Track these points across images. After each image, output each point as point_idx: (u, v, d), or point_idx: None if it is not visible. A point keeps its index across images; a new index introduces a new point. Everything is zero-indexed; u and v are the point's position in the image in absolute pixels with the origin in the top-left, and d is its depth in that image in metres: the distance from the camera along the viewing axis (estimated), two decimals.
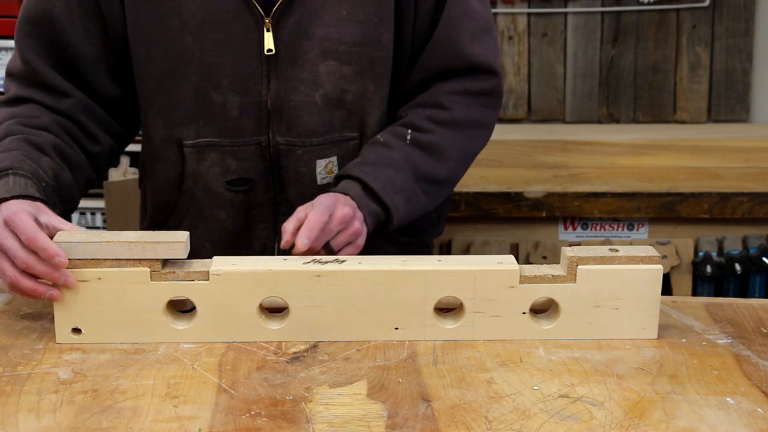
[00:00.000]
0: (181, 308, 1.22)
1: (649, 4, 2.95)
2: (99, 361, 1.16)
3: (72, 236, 1.19)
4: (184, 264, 1.20)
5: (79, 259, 1.18)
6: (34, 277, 1.19)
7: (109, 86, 1.50)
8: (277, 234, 1.50)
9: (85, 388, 1.09)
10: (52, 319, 1.22)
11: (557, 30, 2.99)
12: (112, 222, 2.54)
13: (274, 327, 1.21)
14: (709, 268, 2.51)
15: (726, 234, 2.52)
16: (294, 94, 1.45)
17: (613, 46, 2.99)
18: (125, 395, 1.07)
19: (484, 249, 2.53)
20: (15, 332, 1.24)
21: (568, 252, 1.20)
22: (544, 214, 2.48)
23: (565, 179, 2.57)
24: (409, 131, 1.47)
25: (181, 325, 1.20)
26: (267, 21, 1.41)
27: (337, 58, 1.44)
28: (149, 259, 1.18)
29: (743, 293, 2.56)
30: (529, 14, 2.98)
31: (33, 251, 1.18)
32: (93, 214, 2.80)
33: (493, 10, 2.74)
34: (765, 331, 1.25)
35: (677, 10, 2.96)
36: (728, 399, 1.07)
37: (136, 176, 2.56)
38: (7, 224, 1.20)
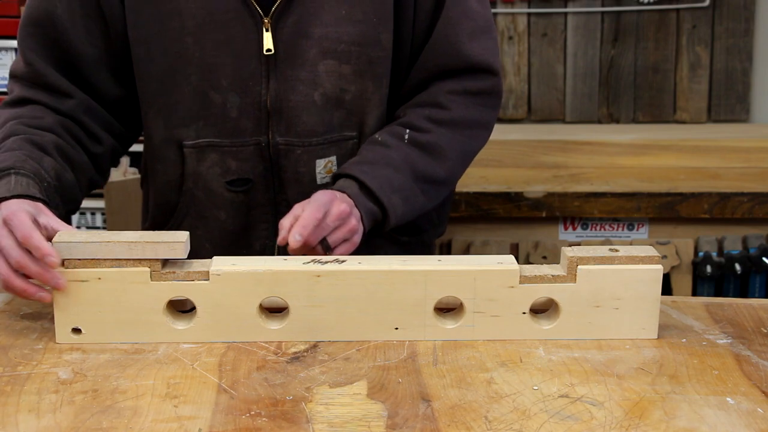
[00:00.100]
0: (181, 308, 1.22)
1: (649, 4, 2.95)
2: (99, 361, 1.16)
3: (72, 236, 1.19)
4: (184, 264, 1.20)
5: (79, 259, 1.18)
6: (27, 277, 1.19)
7: (112, 87, 1.50)
8: (277, 234, 1.50)
9: (85, 388, 1.09)
10: (52, 319, 1.22)
11: (557, 30, 2.99)
12: (112, 222, 2.54)
13: (274, 327, 1.21)
14: (709, 268, 2.51)
15: (726, 234, 2.52)
16: (293, 94, 1.45)
17: (613, 46, 2.99)
18: (125, 395, 1.07)
19: (484, 249, 2.53)
20: (15, 332, 1.24)
21: (568, 252, 1.20)
22: (544, 214, 2.48)
23: (565, 179, 2.57)
24: (408, 131, 1.47)
25: (181, 325, 1.20)
26: (266, 21, 1.42)
27: (336, 57, 1.44)
28: (149, 259, 1.18)
29: (743, 293, 2.56)
30: (529, 14, 2.98)
31: (27, 251, 1.18)
32: (93, 214, 2.80)
33: (493, 10, 2.74)
34: (765, 331, 1.25)
35: (677, 10, 2.96)
36: (728, 399, 1.07)
37: (137, 176, 2.56)
38: (5, 223, 1.20)
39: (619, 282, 1.20)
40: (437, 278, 1.19)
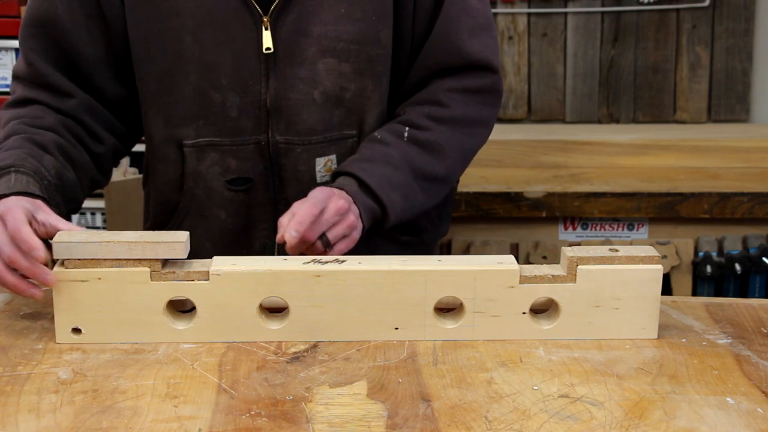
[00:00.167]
0: (181, 308, 1.22)
1: (649, 4, 2.95)
2: (99, 361, 1.16)
3: (72, 236, 1.19)
4: (184, 264, 1.20)
5: (79, 259, 1.18)
6: (20, 273, 1.20)
7: (113, 87, 1.50)
8: (277, 233, 1.51)
9: (85, 388, 1.09)
10: (52, 319, 1.22)
11: (557, 30, 2.99)
12: (112, 222, 2.54)
13: (274, 327, 1.21)
14: (709, 268, 2.51)
15: (726, 234, 2.52)
16: (293, 93, 1.45)
17: (613, 46, 2.99)
18: (125, 395, 1.07)
19: (484, 249, 2.53)
20: (15, 332, 1.24)
21: (568, 252, 1.20)
22: (544, 214, 2.48)
23: (565, 179, 2.57)
24: (407, 128, 1.47)
25: (181, 325, 1.20)
26: (265, 20, 1.42)
27: (335, 55, 1.44)
28: (149, 259, 1.18)
29: (743, 293, 2.56)
30: (529, 14, 2.98)
31: (19, 246, 1.18)
32: (93, 214, 2.80)
33: (493, 10, 2.74)
34: (765, 331, 1.25)
35: (677, 10, 2.96)
36: (728, 399, 1.07)
37: (137, 176, 2.56)
38: (0, 219, 1.20)
39: (619, 282, 1.20)
40: (437, 278, 1.19)
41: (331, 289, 1.19)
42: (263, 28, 1.42)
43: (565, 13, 2.98)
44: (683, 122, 3.01)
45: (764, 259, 2.48)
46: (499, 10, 2.96)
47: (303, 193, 1.47)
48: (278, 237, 1.31)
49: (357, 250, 1.39)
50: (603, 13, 2.97)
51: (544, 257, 2.52)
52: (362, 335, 1.21)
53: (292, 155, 1.48)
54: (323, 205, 1.33)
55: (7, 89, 2.81)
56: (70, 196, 1.41)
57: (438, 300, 1.20)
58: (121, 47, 1.46)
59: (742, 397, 1.07)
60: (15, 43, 2.76)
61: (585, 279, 1.19)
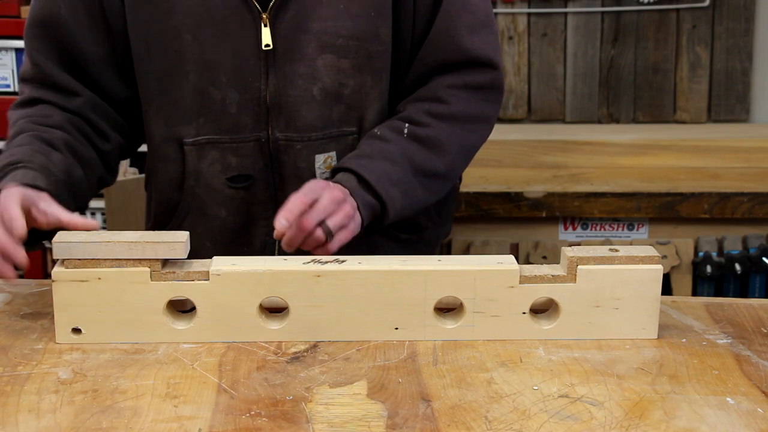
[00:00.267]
0: (181, 308, 1.22)
1: (649, 4, 2.95)
2: (99, 361, 1.16)
3: (72, 236, 1.19)
4: (184, 264, 1.20)
5: (79, 259, 1.18)
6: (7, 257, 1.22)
7: (117, 86, 1.51)
8: None
9: (85, 388, 1.09)
10: (52, 319, 1.22)
11: (557, 30, 2.99)
12: (112, 222, 2.54)
13: (274, 327, 1.21)
14: (709, 268, 2.51)
15: (726, 234, 2.52)
16: (292, 89, 1.45)
17: (613, 46, 2.99)
18: (125, 395, 1.07)
19: (484, 249, 2.53)
20: (15, 332, 1.24)
21: (568, 252, 1.20)
22: (544, 214, 2.48)
23: (565, 179, 2.57)
24: (407, 125, 1.47)
25: (181, 325, 1.20)
26: (264, 16, 1.42)
27: (334, 51, 1.45)
28: (149, 259, 1.18)
29: (743, 293, 2.56)
30: (529, 14, 2.98)
31: (8, 230, 1.20)
32: (93, 214, 2.80)
33: (493, 10, 2.74)
34: (765, 331, 1.25)
35: (677, 10, 2.96)
36: (728, 399, 1.07)
37: (137, 176, 2.57)
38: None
39: (619, 282, 1.20)
40: (437, 278, 1.19)
41: (331, 289, 1.19)
42: (262, 24, 1.42)
43: (565, 13, 2.98)
44: (683, 122, 3.01)
45: (764, 259, 2.48)
46: (499, 10, 2.96)
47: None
48: (275, 234, 1.31)
49: (357, 248, 1.39)
50: (603, 13, 2.98)
51: (544, 257, 2.52)
52: (362, 335, 1.21)
53: (291, 152, 1.48)
54: (316, 195, 1.32)
55: (8, 89, 2.81)
56: (78, 193, 1.42)
57: (438, 300, 1.20)
58: (122, 46, 1.47)
59: (742, 397, 1.07)
60: (15, 43, 2.76)
61: (585, 279, 1.19)
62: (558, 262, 1.23)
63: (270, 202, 1.51)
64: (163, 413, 1.03)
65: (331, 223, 1.32)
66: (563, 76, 3.01)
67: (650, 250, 1.21)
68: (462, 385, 1.10)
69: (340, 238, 1.34)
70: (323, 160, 1.49)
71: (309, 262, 1.20)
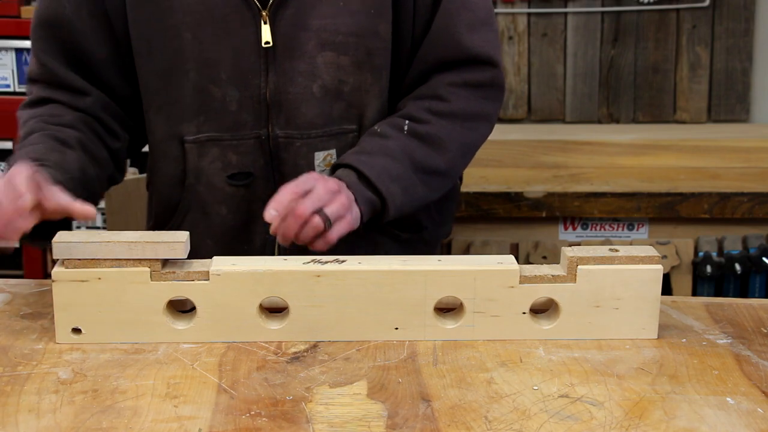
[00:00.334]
0: (181, 308, 1.22)
1: (649, 4, 2.95)
2: (99, 361, 1.16)
3: (72, 236, 1.19)
4: (184, 264, 1.20)
5: (79, 259, 1.18)
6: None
7: (121, 85, 1.52)
8: None
9: (85, 388, 1.09)
10: (52, 319, 1.22)
11: (557, 30, 2.99)
12: (112, 222, 2.54)
13: (274, 327, 1.21)
14: (709, 268, 2.51)
15: (726, 234, 2.52)
16: (292, 86, 1.45)
17: (613, 46, 2.99)
18: (125, 395, 1.07)
19: (484, 249, 2.53)
20: (15, 332, 1.24)
21: (568, 252, 1.20)
22: (544, 214, 2.48)
23: (565, 179, 2.57)
24: (407, 122, 1.47)
25: (181, 325, 1.20)
26: (264, 14, 1.42)
27: (334, 49, 1.45)
28: (149, 259, 1.18)
29: (743, 293, 2.56)
30: (529, 14, 2.98)
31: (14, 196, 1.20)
32: None
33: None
34: (765, 331, 1.25)
35: (677, 10, 2.96)
36: (728, 399, 1.07)
37: (137, 176, 2.56)
38: (8, 179, 1.23)
39: (619, 282, 1.20)
40: (437, 278, 1.19)
41: (331, 289, 1.19)
42: (262, 22, 1.43)
43: (565, 13, 2.98)
44: (683, 122, 3.01)
45: (764, 259, 2.48)
46: (499, 10, 2.96)
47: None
48: (271, 228, 1.31)
49: (357, 247, 1.39)
50: (603, 13, 2.98)
51: (544, 257, 2.52)
52: (362, 335, 1.21)
53: (291, 149, 1.48)
54: (308, 186, 1.32)
55: (8, 89, 2.81)
56: (92, 191, 1.44)
57: (438, 300, 1.20)
58: (124, 45, 1.48)
59: (742, 397, 1.07)
60: (15, 43, 2.77)
61: (585, 279, 1.19)
62: (558, 262, 1.23)
63: (270, 199, 1.51)
64: (163, 413, 1.03)
65: (328, 210, 1.32)
66: (563, 76, 3.01)
67: (650, 250, 1.21)
68: (462, 385, 1.10)
69: (339, 229, 1.33)
70: (323, 158, 1.49)
71: (309, 262, 1.20)
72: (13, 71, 2.80)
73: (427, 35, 1.49)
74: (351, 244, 1.39)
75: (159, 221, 1.58)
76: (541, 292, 1.20)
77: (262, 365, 1.15)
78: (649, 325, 1.22)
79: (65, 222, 1.32)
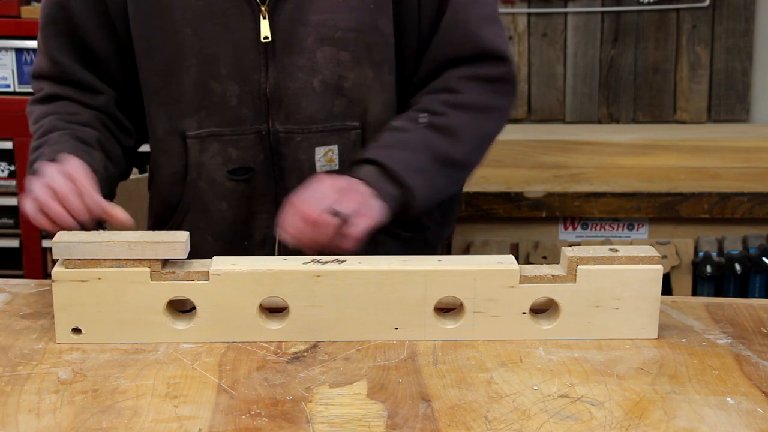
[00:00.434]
0: (181, 308, 1.22)
1: (649, 4, 2.95)
2: (99, 361, 1.16)
3: (72, 236, 1.19)
4: (184, 264, 1.20)
5: (79, 259, 1.18)
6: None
7: (125, 82, 1.55)
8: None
9: (85, 388, 1.09)
10: (52, 319, 1.22)
11: (557, 30, 2.99)
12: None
13: (274, 327, 1.21)
14: (709, 268, 2.51)
15: (726, 234, 2.52)
16: (292, 81, 1.46)
17: (613, 46, 2.99)
18: (125, 395, 1.07)
19: (484, 249, 2.53)
20: (15, 332, 1.24)
21: (568, 252, 1.20)
22: (544, 214, 2.48)
23: (565, 179, 2.57)
24: (424, 114, 1.47)
25: (181, 325, 1.20)
26: (263, 9, 1.43)
27: (333, 44, 1.45)
28: (149, 259, 1.18)
29: (743, 293, 2.56)
30: (529, 14, 2.98)
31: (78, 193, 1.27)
32: None
33: None
34: (765, 331, 1.25)
35: (677, 10, 2.96)
36: (728, 399, 1.07)
37: (137, 176, 2.56)
38: (60, 170, 1.29)
39: (619, 282, 1.20)
40: (437, 278, 1.19)
41: (331, 289, 1.19)
42: (261, 17, 1.43)
43: (565, 13, 2.98)
44: (683, 122, 3.01)
45: (764, 259, 2.48)
46: (499, 10, 2.96)
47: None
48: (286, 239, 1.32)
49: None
50: (603, 13, 2.97)
51: (544, 257, 2.52)
52: (362, 335, 1.21)
53: (292, 144, 1.48)
54: (311, 189, 1.32)
55: (8, 89, 2.81)
56: (112, 191, 1.49)
57: (438, 300, 1.20)
58: (125, 43, 1.50)
59: (742, 397, 1.07)
60: (15, 43, 2.76)
61: (585, 279, 1.19)
62: (558, 262, 1.23)
63: (270, 195, 1.51)
64: (163, 413, 1.03)
65: (339, 207, 1.30)
66: (563, 76, 3.01)
67: (650, 250, 1.21)
68: (462, 385, 1.10)
69: (361, 224, 1.31)
70: (323, 153, 1.49)
71: (309, 262, 1.20)
72: (13, 71, 2.80)
73: (436, 31, 1.49)
74: None
75: (160, 219, 1.59)
76: (541, 292, 1.20)
77: (262, 365, 1.15)
78: (649, 325, 1.22)
79: (97, 224, 1.36)
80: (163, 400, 1.06)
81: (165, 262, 1.19)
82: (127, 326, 1.20)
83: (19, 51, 2.77)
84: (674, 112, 3.02)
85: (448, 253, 2.51)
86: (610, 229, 2.55)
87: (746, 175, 2.60)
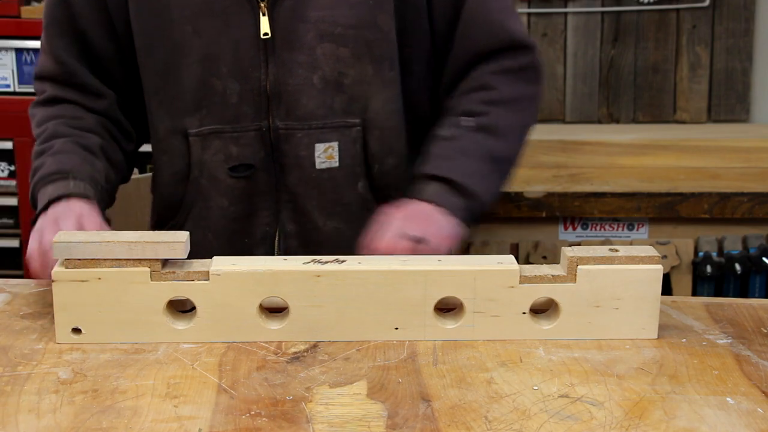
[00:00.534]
0: (181, 308, 1.22)
1: (649, 4, 2.95)
2: (99, 361, 1.16)
3: (72, 236, 1.19)
4: (184, 264, 1.20)
5: (79, 259, 1.18)
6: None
7: (127, 82, 1.55)
8: (278, 222, 1.52)
9: (85, 388, 1.09)
10: (52, 319, 1.22)
11: (557, 30, 2.99)
12: (113, 222, 2.54)
13: (274, 327, 1.21)
14: (709, 268, 2.51)
15: (726, 234, 2.52)
16: (292, 78, 1.46)
17: (613, 46, 2.99)
18: (125, 395, 1.07)
19: (484, 249, 2.53)
20: (15, 332, 1.24)
21: (568, 252, 1.20)
22: (544, 214, 2.48)
23: (565, 179, 2.57)
24: (467, 118, 1.48)
25: (181, 325, 1.20)
26: (263, 6, 1.43)
27: (333, 40, 1.45)
28: (149, 259, 1.18)
29: (743, 293, 2.56)
30: (529, 14, 2.98)
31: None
32: None
33: None
34: (765, 331, 1.25)
35: (677, 10, 2.96)
36: (728, 399, 1.07)
37: (137, 176, 2.56)
38: (55, 220, 1.31)
39: (619, 282, 1.20)
40: (437, 278, 1.19)
41: (331, 289, 1.19)
42: (261, 14, 1.43)
43: (565, 13, 2.98)
44: (683, 122, 3.01)
45: (764, 259, 2.48)
46: None
47: (303, 180, 1.48)
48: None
49: (358, 245, 1.39)
50: (603, 13, 2.98)
51: (544, 257, 2.52)
52: (362, 335, 1.21)
53: (292, 141, 1.48)
54: (382, 228, 1.34)
55: (8, 89, 2.81)
56: (112, 196, 1.51)
57: (438, 300, 1.20)
58: (126, 42, 1.50)
59: (742, 397, 1.07)
60: (15, 43, 2.77)
61: (585, 279, 1.19)
62: (558, 262, 1.23)
63: (271, 192, 1.51)
64: (163, 413, 1.03)
65: (411, 231, 1.33)
66: (563, 76, 3.01)
67: (650, 250, 1.21)
68: (462, 385, 1.10)
69: (443, 246, 1.34)
70: (323, 150, 1.49)
71: (309, 262, 1.20)
72: (13, 71, 2.80)
73: (457, 28, 1.49)
74: (351, 243, 1.40)
75: (162, 217, 1.59)
76: (541, 292, 1.20)
77: (262, 365, 1.15)
78: (649, 325, 1.22)
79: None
80: (163, 400, 1.06)
81: (165, 262, 1.19)
82: (127, 326, 1.20)
83: (19, 51, 2.78)
84: (674, 112, 3.02)
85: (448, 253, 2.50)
86: (610, 229, 2.55)
87: (746, 175, 2.60)
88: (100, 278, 1.18)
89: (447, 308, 1.23)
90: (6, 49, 2.77)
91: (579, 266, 1.19)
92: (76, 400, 1.06)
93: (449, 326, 1.21)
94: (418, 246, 1.32)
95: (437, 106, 1.58)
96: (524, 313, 1.21)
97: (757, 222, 2.50)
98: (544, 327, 1.21)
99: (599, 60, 2.99)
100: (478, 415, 1.03)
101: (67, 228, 1.31)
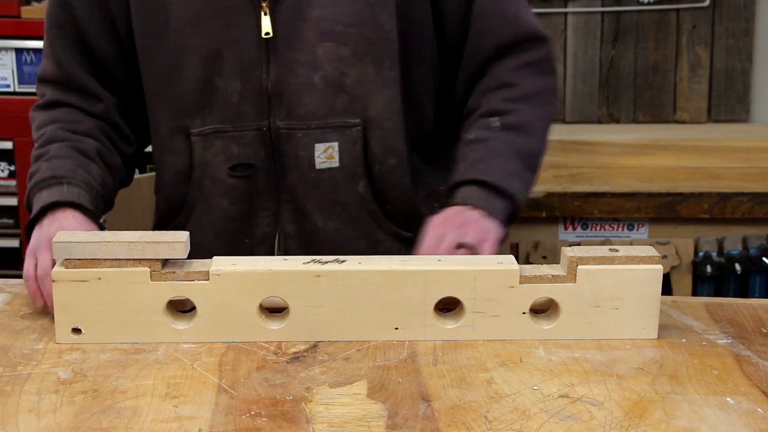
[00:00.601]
0: (181, 308, 1.22)
1: (649, 4, 2.95)
2: (99, 361, 1.16)
3: (72, 236, 1.19)
4: (184, 264, 1.20)
5: (79, 259, 1.18)
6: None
7: (129, 84, 1.54)
8: (279, 222, 1.51)
9: (85, 388, 1.09)
10: (52, 319, 1.22)
11: (557, 30, 2.99)
12: (112, 222, 2.54)
13: (274, 327, 1.21)
14: (709, 268, 2.51)
15: (726, 234, 2.52)
16: (293, 77, 1.46)
17: (613, 46, 2.99)
18: (125, 395, 1.07)
19: None
20: (15, 332, 1.24)
21: (568, 252, 1.20)
22: (544, 214, 2.48)
23: (565, 179, 2.57)
24: (495, 118, 1.48)
25: (181, 325, 1.20)
26: (264, 5, 1.43)
27: (333, 39, 1.45)
28: (149, 259, 1.18)
29: (743, 293, 2.56)
30: None
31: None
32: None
33: None
34: (765, 331, 1.25)
35: (677, 10, 2.96)
36: (728, 399, 1.07)
37: (137, 176, 2.56)
38: (50, 242, 1.27)
39: (619, 282, 1.20)
40: (437, 278, 1.19)
41: (331, 289, 1.19)
42: (262, 13, 1.43)
43: (565, 13, 2.98)
44: (683, 122, 3.01)
45: (764, 259, 2.48)
46: None
47: (303, 180, 1.48)
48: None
49: (358, 246, 1.39)
50: (603, 13, 2.98)
51: (544, 257, 2.52)
52: (362, 335, 1.21)
53: (293, 140, 1.48)
54: (429, 239, 1.34)
55: (8, 89, 2.81)
56: (109, 200, 1.49)
57: (438, 300, 1.20)
58: (128, 43, 1.49)
59: (742, 397, 1.07)
60: (15, 43, 2.76)
61: (585, 279, 1.19)
62: (558, 262, 1.23)
63: (271, 192, 1.51)
64: (163, 413, 1.03)
65: (462, 239, 1.33)
66: (563, 76, 3.01)
67: (650, 250, 1.21)
68: (462, 385, 1.10)
69: (486, 248, 1.34)
70: (323, 150, 1.49)
71: (309, 262, 1.20)
72: (13, 71, 2.80)
73: (470, 24, 1.49)
74: (352, 243, 1.40)
75: (165, 217, 1.59)
76: (541, 292, 1.20)
77: (262, 365, 1.15)
78: (649, 325, 1.22)
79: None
80: (163, 400, 1.06)
81: (165, 262, 1.19)
82: (127, 326, 1.20)
83: (19, 51, 2.78)
84: (674, 112, 3.02)
85: None
86: (610, 229, 2.55)
87: (746, 175, 2.60)
88: (100, 278, 1.18)
89: (447, 308, 1.23)
90: (6, 49, 2.77)
91: (579, 266, 1.19)
92: (76, 400, 1.06)
93: (449, 326, 1.21)
94: (472, 253, 1.32)
95: (440, 106, 1.58)
96: (524, 313, 1.21)
97: (757, 222, 2.50)
98: (544, 327, 1.21)
99: (599, 60, 2.99)
100: (478, 415, 1.03)
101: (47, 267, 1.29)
